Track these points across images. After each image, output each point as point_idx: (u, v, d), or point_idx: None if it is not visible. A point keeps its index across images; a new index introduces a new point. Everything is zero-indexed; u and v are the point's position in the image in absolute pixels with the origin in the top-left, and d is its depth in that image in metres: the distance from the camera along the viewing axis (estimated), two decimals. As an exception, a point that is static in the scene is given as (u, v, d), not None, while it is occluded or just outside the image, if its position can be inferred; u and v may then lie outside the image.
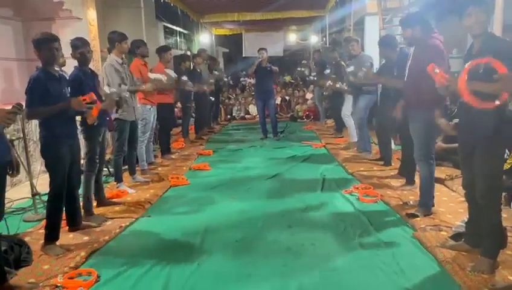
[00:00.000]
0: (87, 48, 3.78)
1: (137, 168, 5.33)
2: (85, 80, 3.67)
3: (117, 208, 4.15)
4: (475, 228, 2.77)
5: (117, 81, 4.53)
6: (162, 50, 6.26)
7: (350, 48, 5.98)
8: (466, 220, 2.93)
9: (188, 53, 11.96)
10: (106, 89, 4.35)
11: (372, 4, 9.31)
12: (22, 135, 4.30)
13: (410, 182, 4.40)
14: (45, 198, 3.36)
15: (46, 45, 3.07)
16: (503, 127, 2.44)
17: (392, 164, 5.30)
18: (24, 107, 3.06)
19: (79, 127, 3.72)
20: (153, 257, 3.06)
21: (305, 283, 2.62)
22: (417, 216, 3.53)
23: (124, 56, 4.78)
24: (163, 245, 3.31)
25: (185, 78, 6.62)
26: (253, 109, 11.58)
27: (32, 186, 4.10)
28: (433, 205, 3.67)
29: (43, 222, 3.35)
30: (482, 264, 2.58)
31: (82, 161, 3.88)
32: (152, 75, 5.08)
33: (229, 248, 3.19)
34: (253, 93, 10.83)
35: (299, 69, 16.16)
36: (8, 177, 2.76)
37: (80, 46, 3.75)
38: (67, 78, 3.61)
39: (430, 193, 3.62)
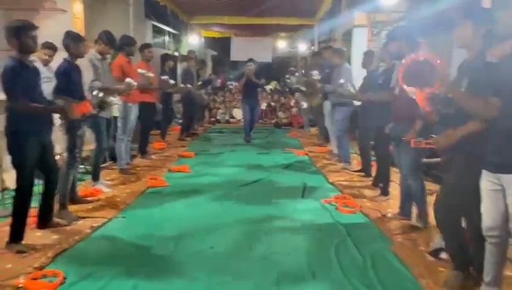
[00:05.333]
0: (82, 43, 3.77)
1: (115, 168, 5.19)
2: (72, 74, 3.67)
3: (90, 206, 4.02)
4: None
5: (90, 78, 4.32)
6: (141, 47, 6.11)
7: (328, 58, 6.01)
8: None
9: (176, 54, 11.86)
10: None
11: (361, 17, 9.40)
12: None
13: (384, 193, 4.45)
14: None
15: (26, 33, 2.95)
16: None
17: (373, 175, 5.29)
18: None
19: (59, 121, 3.57)
20: (124, 260, 2.97)
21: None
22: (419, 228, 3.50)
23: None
24: (134, 248, 3.19)
25: (165, 77, 6.45)
26: (237, 113, 11.54)
27: (1, 180, 3.94)
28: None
29: (10, 219, 3.21)
30: (454, 278, 2.57)
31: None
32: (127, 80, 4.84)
33: (202, 255, 3.09)
34: (238, 97, 10.93)
35: (287, 76, 16.12)
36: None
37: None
38: (55, 70, 3.62)
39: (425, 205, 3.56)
